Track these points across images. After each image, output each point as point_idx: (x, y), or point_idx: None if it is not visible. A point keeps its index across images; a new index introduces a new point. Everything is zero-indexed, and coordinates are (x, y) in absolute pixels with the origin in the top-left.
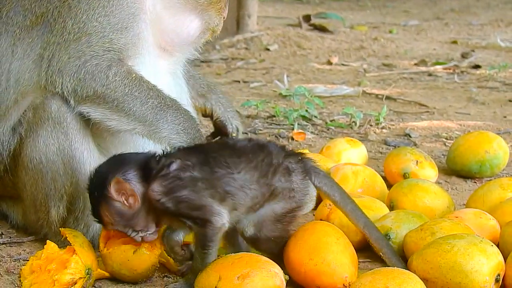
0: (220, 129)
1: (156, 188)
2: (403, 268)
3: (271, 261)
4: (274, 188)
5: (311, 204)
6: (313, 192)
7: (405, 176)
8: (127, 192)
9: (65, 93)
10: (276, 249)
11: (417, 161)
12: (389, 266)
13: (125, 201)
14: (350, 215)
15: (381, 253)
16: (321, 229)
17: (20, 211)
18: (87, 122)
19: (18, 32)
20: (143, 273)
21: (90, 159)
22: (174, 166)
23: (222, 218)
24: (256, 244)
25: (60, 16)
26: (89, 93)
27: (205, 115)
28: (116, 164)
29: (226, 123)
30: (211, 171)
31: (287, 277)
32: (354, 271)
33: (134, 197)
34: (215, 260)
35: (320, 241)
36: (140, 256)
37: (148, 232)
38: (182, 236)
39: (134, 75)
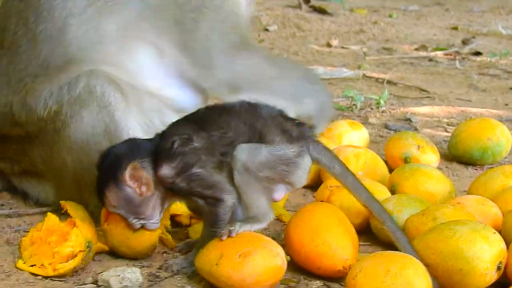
0: None
1: (168, 171)
2: (407, 242)
3: (273, 241)
4: (263, 132)
5: (304, 176)
6: (307, 161)
7: (406, 160)
8: (142, 180)
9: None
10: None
11: (418, 146)
12: (391, 246)
13: (137, 188)
14: (351, 188)
15: (384, 227)
16: (322, 211)
17: (49, 189)
18: (131, 104)
19: None
20: (142, 251)
21: None
22: (175, 145)
23: (233, 196)
24: (244, 181)
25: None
26: None
27: None
28: (133, 149)
29: None
30: (208, 135)
31: (288, 257)
32: (354, 254)
33: (148, 186)
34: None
35: (321, 223)
36: (140, 235)
37: (151, 221)
38: None
39: None
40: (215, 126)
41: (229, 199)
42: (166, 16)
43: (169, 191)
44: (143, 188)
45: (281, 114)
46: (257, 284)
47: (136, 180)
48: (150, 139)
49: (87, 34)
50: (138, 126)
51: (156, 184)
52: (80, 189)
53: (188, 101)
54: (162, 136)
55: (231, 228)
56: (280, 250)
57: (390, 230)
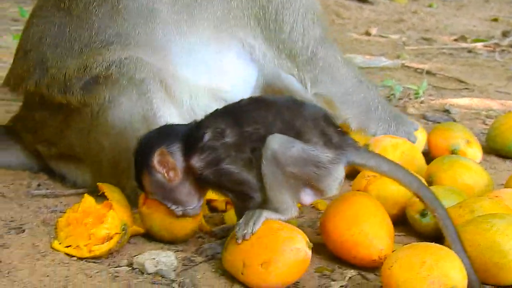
0: None
1: (196, 162)
2: (454, 232)
3: (291, 236)
4: (302, 131)
5: (335, 186)
6: (340, 171)
7: (453, 152)
8: (168, 165)
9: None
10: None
11: (467, 140)
12: (427, 238)
13: (166, 174)
14: (403, 181)
15: (435, 214)
16: (359, 200)
17: (87, 173)
18: (168, 91)
19: None
20: (182, 237)
21: None
22: (206, 137)
23: (262, 193)
24: (271, 171)
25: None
26: None
27: None
28: (163, 135)
29: None
30: (241, 131)
31: (311, 244)
32: (390, 244)
33: (175, 171)
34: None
35: (358, 212)
36: (182, 222)
37: (189, 208)
38: None
39: None
40: (251, 121)
41: (258, 196)
42: (252, 12)
43: (197, 182)
44: (171, 173)
45: (325, 118)
46: (285, 281)
47: (165, 166)
48: (186, 124)
49: (174, 24)
50: (178, 115)
51: (188, 171)
52: (117, 173)
53: None
54: (198, 125)
55: (244, 232)
56: (300, 244)
57: (439, 217)
